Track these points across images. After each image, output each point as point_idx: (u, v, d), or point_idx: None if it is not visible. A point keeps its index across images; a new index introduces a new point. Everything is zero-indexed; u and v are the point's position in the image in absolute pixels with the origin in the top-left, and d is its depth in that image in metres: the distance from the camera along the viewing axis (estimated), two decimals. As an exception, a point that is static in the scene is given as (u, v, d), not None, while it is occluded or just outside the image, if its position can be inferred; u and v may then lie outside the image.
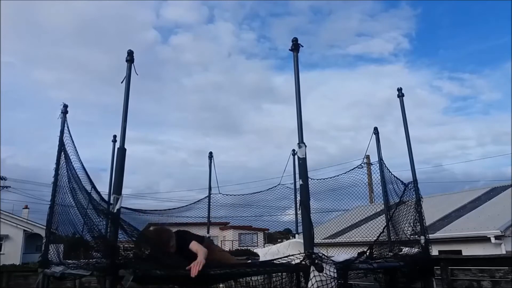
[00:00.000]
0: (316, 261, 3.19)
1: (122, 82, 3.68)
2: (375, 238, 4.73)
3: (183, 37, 75.03)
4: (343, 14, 73.35)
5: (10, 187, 29.54)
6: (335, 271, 3.21)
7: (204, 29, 73.34)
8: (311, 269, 3.15)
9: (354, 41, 76.87)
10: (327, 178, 7.26)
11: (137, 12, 67.05)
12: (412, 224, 4.91)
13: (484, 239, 11.13)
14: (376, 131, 6.38)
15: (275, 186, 8.15)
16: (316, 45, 71.51)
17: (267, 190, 8.23)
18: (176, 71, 79.21)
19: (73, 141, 4.68)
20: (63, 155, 4.64)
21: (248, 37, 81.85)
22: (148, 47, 58.54)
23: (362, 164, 6.60)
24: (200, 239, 4.08)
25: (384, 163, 6.09)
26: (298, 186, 4.16)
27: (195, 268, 3.09)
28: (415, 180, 5.13)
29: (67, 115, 4.86)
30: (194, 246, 3.70)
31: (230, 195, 8.20)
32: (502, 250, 10.73)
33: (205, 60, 76.51)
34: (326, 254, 3.46)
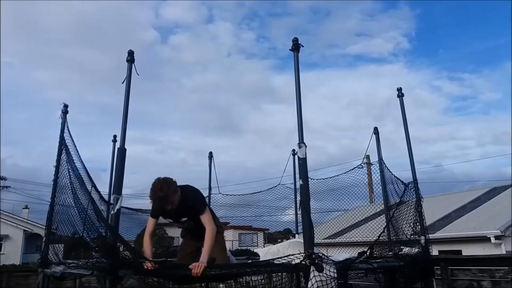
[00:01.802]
0: (316, 261, 3.18)
1: (122, 83, 3.68)
2: (375, 238, 4.73)
3: (182, 37, 75.26)
4: (343, 14, 73.53)
5: (10, 187, 29.54)
6: (335, 271, 3.21)
7: (203, 29, 73.51)
8: (311, 269, 3.15)
9: (353, 41, 77.02)
10: (327, 178, 7.29)
11: (136, 12, 67.18)
12: (412, 224, 4.91)
13: (484, 239, 11.11)
14: (376, 131, 6.38)
15: (275, 186, 8.17)
16: (316, 45, 71.58)
17: (267, 190, 8.26)
18: (176, 71, 79.32)
19: (73, 141, 4.68)
20: (64, 155, 4.63)
21: (248, 37, 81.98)
22: (148, 47, 58.62)
23: (362, 164, 6.61)
24: (217, 221, 3.89)
25: (384, 163, 6.10)
26: (298, 186, 4.16)
27: (197, 268, 3.07)
28: (415, 180, 5.13)
29: (67, 115, 4.86)
30: (205, 220, 3.53)
31: (230, 195, 8.22)
32: (502, 250, 10.71)
33: (204, 60, 76.71)
34: (326, 254, 3.46)
